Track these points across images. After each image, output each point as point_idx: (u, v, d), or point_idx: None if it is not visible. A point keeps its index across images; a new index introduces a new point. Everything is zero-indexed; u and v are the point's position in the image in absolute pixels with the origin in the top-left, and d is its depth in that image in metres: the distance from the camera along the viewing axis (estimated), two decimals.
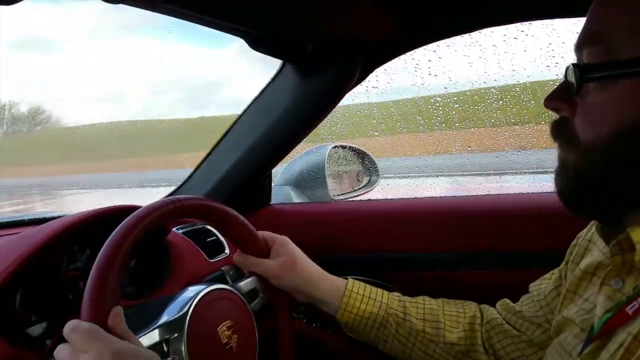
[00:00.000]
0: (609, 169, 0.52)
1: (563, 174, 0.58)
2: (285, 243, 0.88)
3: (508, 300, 0.87)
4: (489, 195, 1.23)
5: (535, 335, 0.79)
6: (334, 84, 1.06)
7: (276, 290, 0.86)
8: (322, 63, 1.03)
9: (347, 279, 0.90)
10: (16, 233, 0.86)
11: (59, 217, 0.85)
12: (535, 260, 0.99)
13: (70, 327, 0.56)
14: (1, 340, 0.65)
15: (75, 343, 0.55)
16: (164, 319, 0.68)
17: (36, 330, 0.72)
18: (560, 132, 0.58)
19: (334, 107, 1.11)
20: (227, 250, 1.07)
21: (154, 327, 0.66)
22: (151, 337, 0.65)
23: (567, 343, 0.63)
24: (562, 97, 0.57)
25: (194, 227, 1.08)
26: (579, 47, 0.56)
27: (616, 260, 0.55)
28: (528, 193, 1.19)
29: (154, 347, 0.65)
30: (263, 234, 0.88)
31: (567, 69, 0.56)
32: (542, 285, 0.81)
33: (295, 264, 0.85)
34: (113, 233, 0.62)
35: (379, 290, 0.89)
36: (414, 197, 1.28)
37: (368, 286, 0.89)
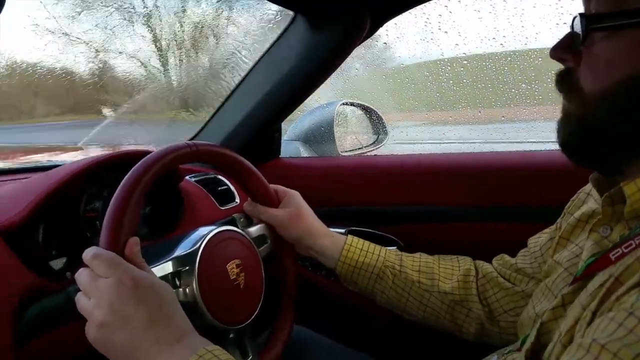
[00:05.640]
0: (611, 120, 0.53)
1: (566, 125, 0.58)
2: (295, 196, 0.91)
3: (505, 255, 0.89)
4: (492, 152, 1.25)
5: (529, 287, 0.81)
6: (344, 37, 1.06)
7: (283, 239, 0.90)
8: (333, 15, 1.03)
9: (347, 234, 0.92)
10: (25, 178, 0.90)
11: (60, 165, 0.88)
12: (535, 216, 1.01)
13: (91, 253, 0.60)
14: (27, 270, 0.69)
15: (96, 268, 0.59)
16: (177, 252, 0.72)
17: (57, 264, 0.76)
18: (565, 82, 0.58)
19: (344, 60, 1.12)
20: (237, 200, 1.10)
21: (167, 259, 0.70)
22: (164, 268, 0.69)
23: (554, 285, 0.66)
24: (567, 47, 0.56)
25: (206, 176, 1.11)
26: None
27: (606, 210, 0.57)
28: (531, 151, 1.21)
29: (165, 278, 0.68)
30: (275, 186, 0.92)
31: (573, 19, 0.55)
32: (540, 239, 0.83)
33: (301, 217, 0.89)
34: (133, 169, 0.65)
35: (377, 245, 0.92)
36: (417, 153, 1.30)
37: (367, 242, 0.91)
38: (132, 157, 0.76)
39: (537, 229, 0.86)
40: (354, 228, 1.17)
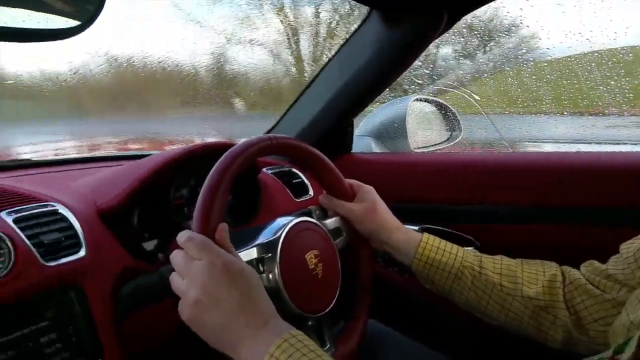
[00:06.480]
0: None
1: None
2: (370, 191, 0.92)
3: (594, 261, 0.84)
4: (576, 152, 1.19)
5: (621, 295, 0.77)
6: (420, 32, 1.05)
7: (358, 232, 0.91)
8: (409, 10, 1.02)
9: (422, 232, 0.92)
10: (119, 165, 0.97)
11: (150, 154, 0.94)
12: (627, 219, 0.96)
13: (185, 236, 0.63)
14: (124, 251, 0.75)
15: (190, 250, 0.62)
16: (260, 240, 0.75)
17: (150, 245, 0.81)
18: None
19: (419, 55, 1.11)
20: (311, 192, 1.13)
21: (252, 245, 0.73)
22: (249, 254, 0.72)
23: None
24: None
25: (282, 169, 1.14)
26: None
27: None
28: (620, 152, 1.14)
29: (250, 263, 0.71)
30: (350, 181, 0.93)
31: None
32: (634, 244, 0.78)
33: (376, 211, 0.89)
34: (221, 159, 0.68)
35: (454, 245, 0.90)
36: (496, 151, 1.27)
37: (443, 240, 0.90)
38: (217, 149, 0.79)
39: (630, 234, 0.80)
40: (428, 226, 1.16)
